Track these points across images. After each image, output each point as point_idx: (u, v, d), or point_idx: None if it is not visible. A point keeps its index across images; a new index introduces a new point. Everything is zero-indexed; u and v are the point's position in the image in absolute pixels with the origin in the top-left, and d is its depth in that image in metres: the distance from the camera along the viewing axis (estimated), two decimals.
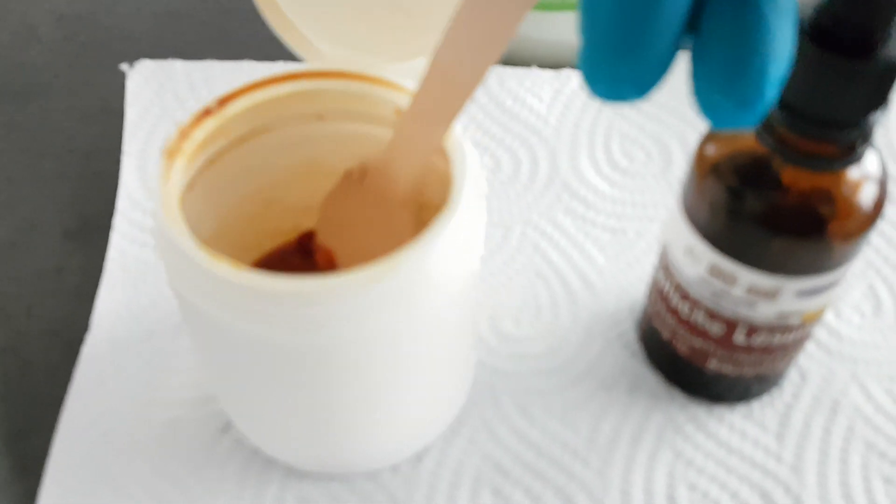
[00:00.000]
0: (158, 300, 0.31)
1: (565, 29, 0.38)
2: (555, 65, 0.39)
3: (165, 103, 0.37)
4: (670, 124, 0.37)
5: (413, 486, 0.27)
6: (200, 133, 0.23)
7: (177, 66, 0.38)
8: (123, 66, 0.39)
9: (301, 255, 0.29)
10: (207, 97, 0.37)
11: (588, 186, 0.35)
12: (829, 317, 0.31)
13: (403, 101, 0.23)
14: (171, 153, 0.22)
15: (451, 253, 0.21)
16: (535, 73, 0.38)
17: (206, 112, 0.23)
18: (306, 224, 0.28)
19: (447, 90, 0.20)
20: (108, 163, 0.37)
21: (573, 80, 0.38)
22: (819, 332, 0.31)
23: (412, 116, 0.22)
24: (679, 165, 0.36)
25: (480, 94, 0.38)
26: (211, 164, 0.24)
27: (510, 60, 0.39)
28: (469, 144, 0.22)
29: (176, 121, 0.37)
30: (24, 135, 0.38)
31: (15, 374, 0.30)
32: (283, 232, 0.29)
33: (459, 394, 0.28)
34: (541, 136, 0.36)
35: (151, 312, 0.31)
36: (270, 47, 0.37)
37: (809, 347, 0.30)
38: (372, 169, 0.24)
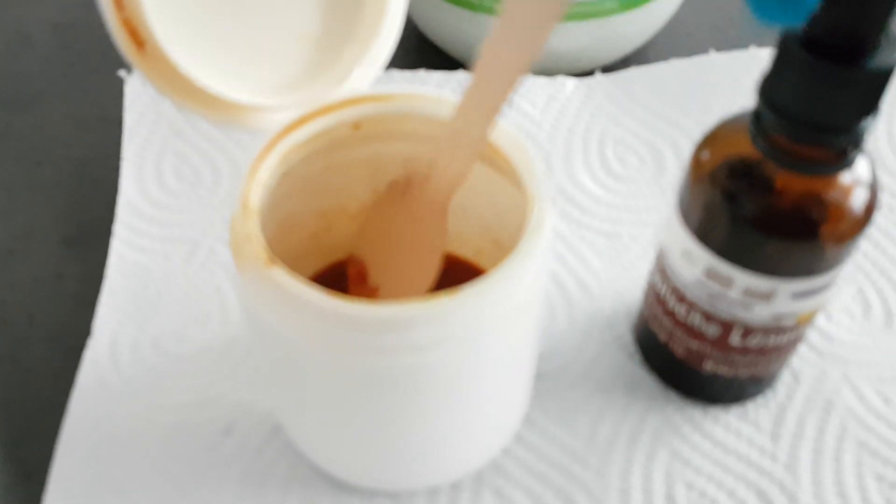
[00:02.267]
0: (159, 305, 0.32)
1: (559, 38, 0.39)
2: (548, 72, 0.39)
3: (162, 108, 0.38)
4: (663, 131, 0.37)
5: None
6: (276, 154, 0.23)
7: None
8: (121, 73, 0.39)
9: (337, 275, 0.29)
10: None
11: (583, 191, 0.36)
12: (820, 320, 0.32)
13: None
14: (252, 173, 0.23)
15: (535, 271, 0.22)
16: (530, 79, 0.39)
17: (264, 154, 0.23)
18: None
19: (489, 91, 0.21)
20: (104, 170, 0.37)
21: (567, 86, 0.39)
22: (811, 335, 0.31)
23: (457, 123, 0.23)
24: (672, 171, 0.36)
25: None
26: (278, 182, 0.24)
27: None
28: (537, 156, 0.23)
29: (173, 126, 0.37)
30: (19, 143, 0.38)
31: (16, 380, 0.31)
32: (329, 251, 0.29)
33: (519, 415, 0.28)
34: (535, 141, 0.37)
35: (153, 318, 0.31)
36: None
37: (802, 349, 0.31)
38: (416, 179, 0.25)
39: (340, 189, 0.28)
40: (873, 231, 0.34)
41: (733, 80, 0.39)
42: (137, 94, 0.38)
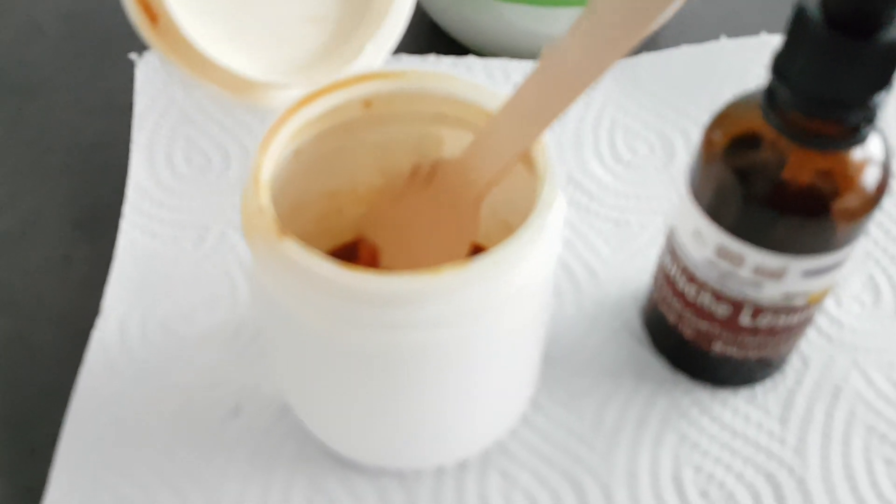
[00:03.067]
0: (168, 288, 0.32)
1: (567, 23, 0.39)
2: None
3: (173, 94, 0.38)
4: (673, 119, 0.37)
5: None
6: (288, 129, 0.23)
7: None
8: (132, 56, 0.39)
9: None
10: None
11: (592, 178, 0.35)
12: (830, 305, 0.32)
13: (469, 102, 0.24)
14: (263, 147, 0.22)
15: (543, 251, 0.22)
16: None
17: (275, 128, 0.23)
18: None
19: (551, 96, 0.20)
20: (113, 156, 0.37)
21: None
22: (820, 320, 0.31)
23: (508, 119, 0.22)
24: (682, 158, 0.36)
25: None
26: (289, 160, 0.24)
27: (515, 55, 0.40)
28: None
29: (184, 112, 0.37)
30: (29, 129, 0.38)
31: (24, 362, 0.31)
32: (338, 233, 0.29)
33: (526, 396, 0.28)
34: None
35: (162, 300, 0.31)
36: None
37: (811, 335, 0.31)
38: (444, 168, 0.24)
39: (350, 170, 0.28)
40: (884, 219, 0.34)
41: (744, 66, 0.39)
42: (148, 78, 0.38)
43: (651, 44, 0.41)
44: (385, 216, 0.27)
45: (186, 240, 0.33)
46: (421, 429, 0.25)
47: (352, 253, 0.29)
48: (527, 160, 0.23)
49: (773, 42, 0.40)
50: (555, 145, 0.36)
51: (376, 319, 0.21)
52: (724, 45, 0.40)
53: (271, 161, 0.23)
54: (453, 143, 0.25)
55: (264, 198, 0.22)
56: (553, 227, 0.22)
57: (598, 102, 0.38)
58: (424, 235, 0.25)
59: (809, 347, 0.30)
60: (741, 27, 0.42)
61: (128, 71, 0.40)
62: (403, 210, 0.26)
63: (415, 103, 0.25)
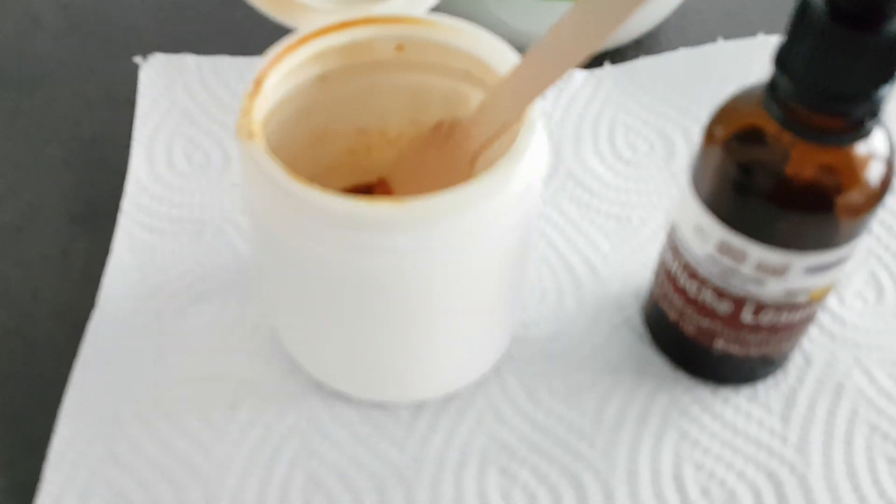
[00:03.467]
0: (165, 283, 0.31)
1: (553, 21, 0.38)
2: None
3: (176, 95, 0.37)
4: (673, 118, 0.37)
5: (420, 464, 0.27)
6: (282, 68, 0.24)
7: (189, 60, 0.39)
8: (137, 59, 0.39)
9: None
10: (217, 91, 0.38)
11: (593, 175, 0.35)
12: (832, 303, 0.31)
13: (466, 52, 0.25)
14: (258, 82, 0.23)
15: (514, 191, 0.22)
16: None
17: (292, 46, 0.25)
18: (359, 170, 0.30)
19: (547, 68, 0.22)
20: (112, 150, 0.37)
21: (576, 78, 0.38)
22: (823, 318, 0.31)
23: (511, 85, 0.23)
24: (682, 156, 0.36)
25: None
26: (277, 108, 0.25)
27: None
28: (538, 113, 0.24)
29: (186, 112, 0.37)
30: (28, 122, 0.38)
31: (21, 356, 0.30)
32: (365, 170, 0.30)
33: (502, 338, 0.29)
34: (545, 129, 0.37)
35: (159, 293, 0.31)
36: (274, 38, 0.38)
37: (813, 332, 0.30)
38: (460, 126, 0.25)
39: (381, 111, 0.29)
40: (886, 216, 0.34)
41: (742, 67, 0.39)
42: (151, 80, 0.38)
43: (649, 47, 0.41)
44: (406, 165, 0.28)
45: (184, 235, 0.33)
46: (398, 359, 0.26)
47: (370, 192, 0.30)
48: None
49: (770, 42, 0.39)
50: (555, 143, 0.36)
51: (337, 239, 0.22)
52: (722, 46, 0.39)
53: (281, 72, 0.24)
54: (477, 104, 0.26)
55: (256, 103, 0.23)
56: (527, 171, 0.23)
57: (598, 102, 0.38)
58: (434, 189, 0.26)
59: (812, 345, 0.30)
60: (742, 25, 0.42)
61: (128, 64, 0.40)
62: (421, 162, 0.28)
63: (445, 56, 0.26)
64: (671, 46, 0.41)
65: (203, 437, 0.28)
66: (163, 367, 0.29)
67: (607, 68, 0.39)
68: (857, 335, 0.30)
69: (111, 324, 0.30)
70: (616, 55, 0.40)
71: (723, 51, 0.39)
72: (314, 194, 0.21)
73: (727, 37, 0.41)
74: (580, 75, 0.38)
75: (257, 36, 0.41)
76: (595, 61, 0.40)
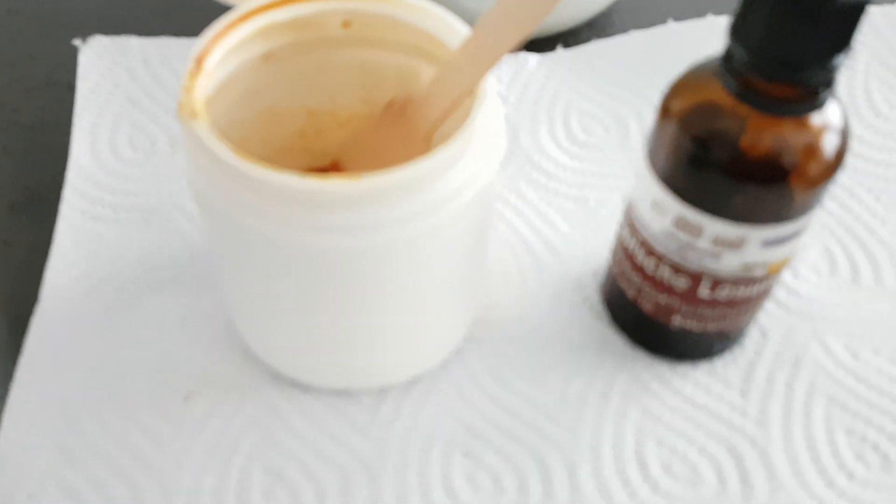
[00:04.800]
0: (113, 274, 0.30)
1: None
2: None
3: (119, 79, 0.36)
4: (626, 100, 0.37)
5: (384, 450, 0.27)
6: (224, 45, 0.24)
7: (132, 42, 0.37)
8: (76, 42, 0.38)
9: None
10: (162, 74, 0.37)
11: (549, 159, 0.35)
12: (787, 277, 0.32)
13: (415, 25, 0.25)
14: (198, 59, 0.23)
15: (469, 167, 0.22)
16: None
17: (235, 22, 0.24)
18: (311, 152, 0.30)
19: (497, 40, 0.22)
20: (53, 135, 0.35)
21: (530, 62, 0.38)
22: (779, 292, 0.31)
23: (462, 58, 0.23)
24: (636, 138, 0.36)
25: None
26: (222, 88, 0.25)
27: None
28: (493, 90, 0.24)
29: (129, 96, 0.36)
30: None
31: None
32: (318, 154, 0.30)
33: (465, 320, 0.28)
34: (499, 103, 0.36)
35: (106, 285, 0.30)
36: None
37: (769, 306, 0.31)
38: (412, 103, 0.25)
39: (331, 91, 0.28)
40: (837, 190, 0.34)
41: (692, 48, 0.39)
42: (92, 63, 0.37)
43: (602, 28, 0.41)
44: (359, 146, 0.28)
45: (131, 223, 0.32)
46: (359, 344, 0.26)
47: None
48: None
49: (719, 23, 0.40)
50: (512, 127, 0.36)
51: (292, 220, 0.21)
52: (673, 28, 0.39)
53: (223, 50, 0.23)
54: (428, 79, 0.25)
55: (198, 82, 0.22)
56: (483, 145, 0.22)
57: (552, 86, 0.37)
58: (390, 167, 0.25)
59: (768, 319, 0.30)
60: (688, 7, 0.42)
61: (68, 47, 0.38)
62: (375, 142, 0.27)
63: (395, 32, 0.25)
64: (623, 27, 0.41)
65: (158, 432, 0.27)
66: (113, 361, 0.28)
67: (560, 52, 0.39)
68: (813, 308, 0.31)
69: (56, 318, 0.29)
70: (569, 37, 0.40)
71: (673, 32, 0.39)
72: (266, 173, 0.20)
73: (678, 15, 0.41)
74: (534, 59, 0.38)
75: (204, 16, 0.40)
76: (548, 45, 0.39)
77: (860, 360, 0.29)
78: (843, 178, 0.35)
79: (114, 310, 0.29)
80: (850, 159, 0.36)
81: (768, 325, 0.30)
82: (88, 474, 0.26)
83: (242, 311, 0.26)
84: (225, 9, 0.27)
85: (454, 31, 0.24)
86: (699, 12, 0.41)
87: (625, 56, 0.38)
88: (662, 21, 0.41)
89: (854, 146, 0.36)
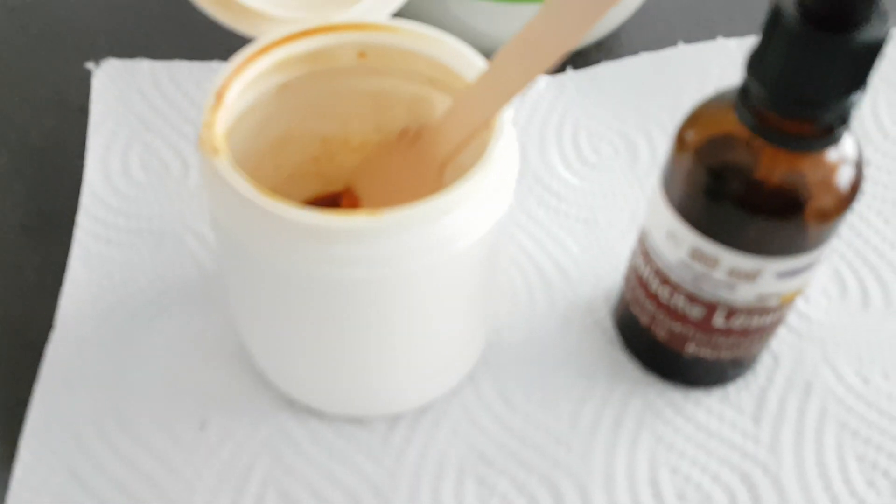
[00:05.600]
0: (125, 297, 0.30)
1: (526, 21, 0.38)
2: None
3: (130, 102, 0.36)
4: (635, 121, 0.37)
5: (397, 477, 0.27)
6: (243, 79, 0.24)
7: (143, 66, 0.37)
8: (89, 65, 0.38)
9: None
10: (173, 96, 0.37)
11: (559, 180, 0.35)
12: (798, 301, 0.32)
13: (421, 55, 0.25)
14: (219, 94, 0.23)
15: (480, 205, 0.22)
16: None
17: (253, 56, 0.24)
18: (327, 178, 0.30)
19: (516, 72, 0.22)
20: (64, 158, 0.35)
21: (540, 83, 0.38)
22: (789, 317, 0.31)
23: (480, 89, 0.23)
24: (645, 159, 0.36)
25: None
26: (240, 119, 0.25)
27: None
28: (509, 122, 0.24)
29: (141, 119, 0.36)
30: None
31: None
32: (331, 179, 0.30)
33: (477, 346, 0.28)
34: (514, 134, 0.36)
35: (119, 310, 0.30)
36: (232, 41, 0.37)
37: (781, 332, 0.31)
38: (426, 132, 0.25)
39: (344, 118, 0.28)
40: (849, 214, 0.34)
41: (702, 70, 0.39)
42: (105, 87, 0.37)
43: (611, 48, 0.41)
44: (372, 173, 0.28)
45: (144, 246, 0.32)
46: (372, 373, 0.26)
47: (339, 201, 0.30)
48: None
49: (729, 46, 0.40)
50: (521, 148, 0.36)
51: (309, 253, 0.21)
52: (682, 50, 0.40)
53: (242, 83, 0.24)
54: (442, 109, 0.26)
55: (218, 116, 0.22)
56: (498, 178, 0.23)
57: (561, 107, 0.37)
58: (401, 197, 0.26)
59: (780, 344, 0.30)
60: (703, 25, 0.42)
61: (80, 68, 0.38)
62: (388, 169, 0.27)
63: (408, 62, 0.26)
64: (633, 47, 0.41)
65: (171, 456, 0.27)
66: (126, 385, 0.28)
67: (570, 73, 0.39)
68: (824, 332, 0.31)
69: (71, 343, 0.29)
70: (578, 58, 0.40)
71: (683, 54, 0.39)
72: (285, 209, 0.21)
73: (687, 35, 0.41)
74: (543, 80, 0.38)
75: (214, 39, 0.40)
76: (557, 66, 0.40)
77: (870, 385, 0.29)
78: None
79: (126, 334, 0.29)
80: None
81: (780, 350, 0.30)
82: (101, 499, 0.26)
83: (255, 337, 0.26)
84: (232, 31, 0.27)
85: (470, 62, 0.24)
86: (710, 34, 0.41)
87: (634, 77, 0.38)
88: (671, 42, 0.41)
89: (866, 171, 0.36)
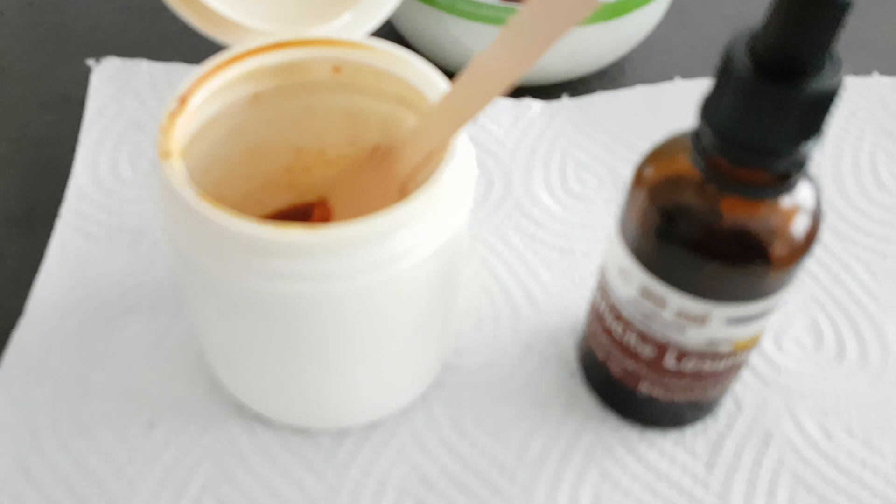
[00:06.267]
0: (95, 293, 0.31)
1: None
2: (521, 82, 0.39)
3: (126, 100, 0.37)
4: (624, 154, 0.37)
5: (336, 494, 0.27)
6: (209, 86, 0.24)
7: (142, 66, 0.38)
8: (90, 62, 0.39)
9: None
10: (168, 98, 0.37)
11: (540, 207, 0.35)
12: (768, 347, 0.31)
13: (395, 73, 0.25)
14: (182, 99, 0.23)
15: (430, 223, 0.22)
16: (496, 99, 0.38)
17: (222, 65, 0.25)
18: (288, 194, 0.30)
19: (471, 98, 0.22)
20: (60, 151, 0.36)
21: (533, 108, 0.38)
22: (757, 362, 0.30)
23: (438, 112, 0.23)
24: None
25: None
26: (207, 126, 0.25)
27: None
28: (466, 140, 0.24)
29: (134, 119, 0.36)
30: None
31: None
32: (305, 190, 0.30)
33: (430, 367, 0.28)
34: (497, 158, 0.36)
35: (87, 304, 0.31)
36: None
37: (746, 377, 0.30)
38: (393, 150, 0.26)
39: (319, 131, 0.29)
40: (831, 262, 0.34)
41: (694, 106, 0.38)
42: (103, 84, 0.38)
43: (612, 78, 0.41)
44: (345, 186, 0.28)
45: (120, 244, 0.32)
46: (319, 386, 0.26)
47: (309, 213, 0.30)
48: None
49: None
50: (504, 173, 0.36)
51: (247, 264, 0.21)
52: (678, 85, 0.39)
53: (209, 90, 0.24)
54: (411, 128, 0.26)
55: (176, 122, 0.23)
56: (447, 202, 0.23)
57: (551, 134, 0.37)
58: (367, 213, 0.26)
59: (744, 390, 0.30)
60: (708, 59, 0.42)
61: (83, 65, 0.39)
62: (359, 184, 0.28)
63: (381, 80, 0.26)
64: (635, 78, 0.41)
65: (116, 455, 0.27)
66: (84, 379, 0.29)
67: (564, 101, 0.39)
68: (791, 381, 0.30)
69: (36, 332, 0.30)
70: (578, 85, 0.40)
71: (678, 90, 0.39)
72: (224, 217, 0.21)
73: (690, 71, 0.41)
74: (537, 106, 0.38)
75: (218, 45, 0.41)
76: (554, 92, 0.40)
77: (833, 441, 0.29)
78: (839, 249, 0.34)
79: (91, 329, 0.30)
80: (848, 231, 0.35)
81: (743, 396, 0.30)
82: (43, 493, 0.26)
83: (207, 342, 0.27)
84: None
85: (434, 85, 0.24)
86: (712, 71, 0.41)
87: (627, 110, 0.38)
88: (677, 71, 0.41)
89: (854, 218, 0.35)
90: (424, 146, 0.24)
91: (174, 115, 0.23)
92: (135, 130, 0.36)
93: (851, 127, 0.38)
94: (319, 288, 0.22)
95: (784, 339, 0.31)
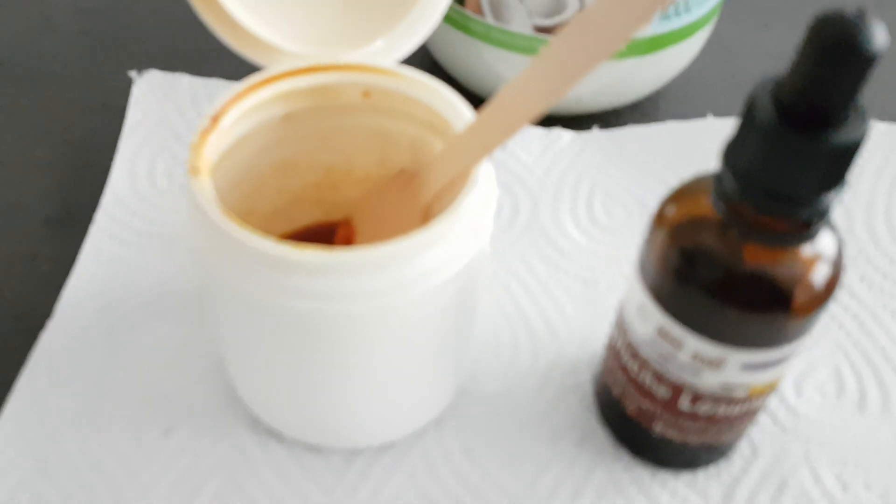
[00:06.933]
0: (124, 298, 0.32)
1: None
2: (555, 112, 0.39)
3: (166, 113, 0.38)
4: (653, 188, 0.37)
5: None
6: (242, 106, 0.25)
7: (182, 80, 0.39)
8: (132, 74, 0.40)
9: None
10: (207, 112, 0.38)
11: (566, 237, 0.35)
12: (789, 394, 0.31)
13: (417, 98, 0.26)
14: (214, 118, 0.24)
15: (452, 248, 0.22)
16: (527, 128, 0.38)
17: (256, 86, 0.25)
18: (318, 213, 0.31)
19: (502, 124, 0.22)
20: (99, 157, 0.37)
21: (564, 138, 0.38)
22: (776, 408, 0.30)
23: (463, 140, 0.23)
24: None
25: None
26: (239, 143, 0.26)
27: None
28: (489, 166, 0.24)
29: (173, 130, 0.37)
30: (22, 120, 0.39)
31: None
32: (332, 207, 0.31)
33: (445, 391, 0.28)
34: (525, 185, 0.37)
35: (115, 308, 0.31)
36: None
37: (764, 422, 0.30)
38: (419, 175, 0.26)
39: (348, 151, 0.29)
40: (860, 310, 0.33)
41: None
42: (144, 95, 0.39)
43: (645, 111, 0.41)
44: (369, 207, 0.29)
45: (151, 250, 0.33)
46: (333, 404, 0.26)
47: (334, 232, 0.30)
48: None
49: None
50: (531, 201, 0.36)
51: (267, 281, 0.22)
52: (710, 123, 0.39)
53: (241, 110, 0.25)
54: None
55: (208, 139, 0.23)
56: (466, 229, 0.23)
57: (581, 164, 0.37)
58: (390, 236, 0.26)
59: (762, 435, 0.29)
60: (739, 100, 0.41)
61: (128, 75, 0.40)
62: (384, 206, 0.28)
63: (409, 106, 0.26)
64: (669, 112, 0.41)
65: (132, 459, 0.28)
66: (106, 383, 0.29)
67: (595, 132, 0.39)
68: (811, 430, 0.30)
69: (64, 334, 0.30)
70: (611, 117, 0.40)
71: (710, 127, 0.39)
72: (246, 235, 0.21)
73: (728, 106, 0.41)
74: (567, 136, 0.38)
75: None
76: (586, 123, 0.40)
77: (849, 492, 0.28)
78: (868, 297, 0.34)
79: (117, 333, 0.31)
80: (878, 280, 0.34)
81: (761, 441, 0.29)
82: (61, 492, 0.27)
83: (226, 354, 0.27)
84: None
85: (459, 113, 0.25)
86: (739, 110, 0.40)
87: (658, 144, 0.38)
88: (711, 108, 0.40)
89: (885, 267, 0.35)
90: (449, 172, 0.24)
91: (206, 132, 0.24)
92: (172, 140, 0.37)
93: (885, 173, 0.38)
94: (337, 307, 0.22)
95: (805, 385, 0.31)
